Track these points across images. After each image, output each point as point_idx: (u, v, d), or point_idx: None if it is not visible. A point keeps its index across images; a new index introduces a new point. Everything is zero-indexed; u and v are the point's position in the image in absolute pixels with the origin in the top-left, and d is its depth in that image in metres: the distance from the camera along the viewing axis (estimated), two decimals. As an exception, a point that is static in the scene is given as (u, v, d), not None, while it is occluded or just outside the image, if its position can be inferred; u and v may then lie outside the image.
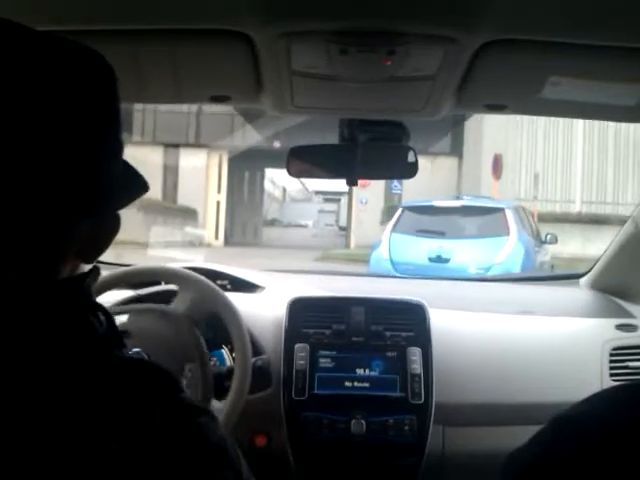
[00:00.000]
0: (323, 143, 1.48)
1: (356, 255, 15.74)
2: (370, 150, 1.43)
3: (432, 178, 19.08)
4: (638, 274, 1.97)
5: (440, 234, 7.88)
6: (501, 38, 0.96)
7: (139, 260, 1.86)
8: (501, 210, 8.25)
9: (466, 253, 7.59)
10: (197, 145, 19.88)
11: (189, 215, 18.49)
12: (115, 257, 1.81)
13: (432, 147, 18.51)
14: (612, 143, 18.19)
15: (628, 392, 0.67)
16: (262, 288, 1.86)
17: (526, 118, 15.76)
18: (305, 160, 1.49)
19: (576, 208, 17.83)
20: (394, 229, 8.31)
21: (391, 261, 7.72)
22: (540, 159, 18.34)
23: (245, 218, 23.79)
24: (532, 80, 1.07)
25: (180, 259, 2.04)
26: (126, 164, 0.68)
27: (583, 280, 2.13)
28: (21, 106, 0.57)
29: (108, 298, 1.54)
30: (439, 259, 7.58)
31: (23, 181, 0.57)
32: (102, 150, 0.63)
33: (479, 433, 1.67)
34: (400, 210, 8.76)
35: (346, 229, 25.02)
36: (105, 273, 1.53)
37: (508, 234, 7.89)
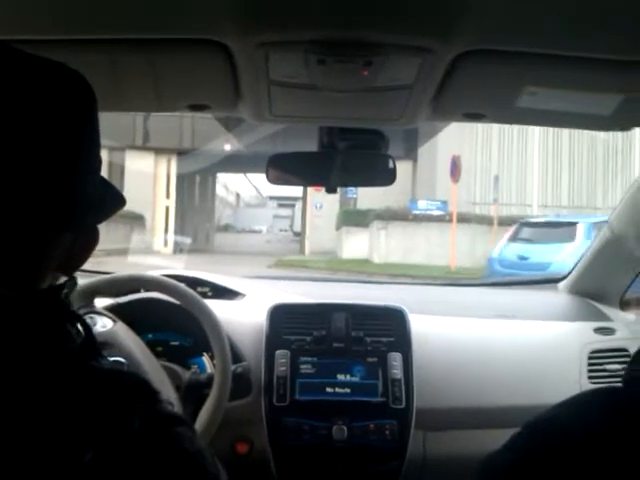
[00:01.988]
0: (302, 151, 1.48)
1: (310, 262, 15.51)
2: (349, 158, 1.44)
3: (386, 182, 19.43)
4: (615, 278, 2.00)
5: (529, 241, 11.08)
6: (477, 48, 0.97)
7: (118, 268, 1.85)
8: (575, 224, 11.00)
9: (540, 254, 10.39)
10: (144, 148, 19.03)
11: (135, 221, 17.41)
12: (94, 265, 1.80)
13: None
14: (567, 146, 18.33)
15: (598, 397, 0.68)
16: (243, 295, 1.86)
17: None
18: (284, 167, 1.49)
19: (533, 212, 17.91)
20: (508, 239, 11.54)
21: (498, 259, 11.06)
22: (495, 162, 18.36)
23: (196, 224, 22.94)
24: (508, 90, 1.09)
25: (161, 266, 2.03)
26: (103, 179, 0.70)
27: (561, 284, 2.15)
28: (0, 124, 0.58)
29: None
30: (522, 258, 10.54)
31: (3, 196, 0.58)
32: (80, 166, 0.64)
33: (460, 437, 1.68)
34: (517, 225, 11.96)
35: (301, 235, 24.50)
36: (86, 281, 1.52)
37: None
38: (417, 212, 15.77)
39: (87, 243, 0.68)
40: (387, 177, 1.46)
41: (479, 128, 17.61)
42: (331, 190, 1.46)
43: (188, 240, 19.95)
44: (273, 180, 1.47)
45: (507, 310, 1.93)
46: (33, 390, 0.56)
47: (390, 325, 1.69)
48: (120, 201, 0.72)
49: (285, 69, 1.02)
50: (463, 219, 14.99)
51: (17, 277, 0.61)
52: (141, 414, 0.58)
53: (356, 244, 16.46)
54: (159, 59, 1.04)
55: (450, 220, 14.72)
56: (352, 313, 1.71)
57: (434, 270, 12.56)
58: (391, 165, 1.45)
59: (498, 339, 1.81)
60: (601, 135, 16.13)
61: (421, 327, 1.73)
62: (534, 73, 1.03)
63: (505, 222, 15.48)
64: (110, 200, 0.71)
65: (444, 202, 15.63)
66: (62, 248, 0.64)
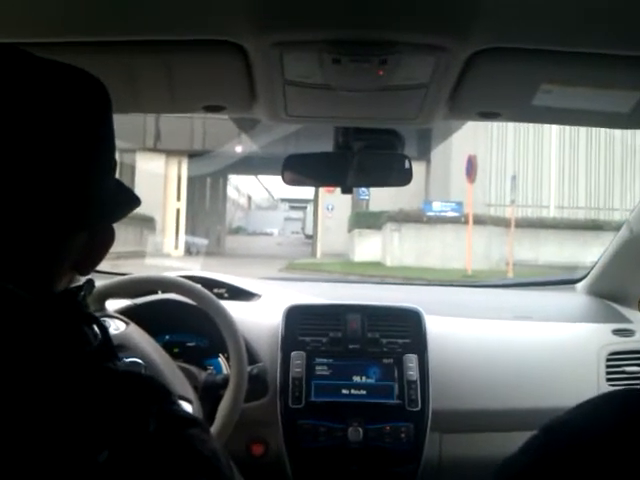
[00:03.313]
0: (318, 151, 1.48)
1: (322, 265, 15.17)
2: (365, 158, 1.44)
3: (399, 183, 18.86)
4: (634, 279, 1.97)
5: None
6: (492, 46, 0.96)
7: (135, 269, 1.86)
8: None
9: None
10: (155, 150, 18.77)
11: (145, 224, 17.02)
12: (111, 267, 1.81)
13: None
14: (584, 145, 17.87)
15: (616, 400, 0.68)
16: (258, 296, 1.86)
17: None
18: (300, 168, 1.49)
19: (550, 213, 17.56)
20: None
21: None
22: (511, 162, 17.90)
23: (207, 226, 22.57)
24: (524, 88, 1.08)
25: (177, 267, 2.05)
26: (117, 181, 0.71)
27: (579, 285, 2.13)
28: (19, 127, 0.59)
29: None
30: None
31: (20, 196, 0.59)
32: (95, 167, 0.65)
33: (476, 439, 1.67)
34: None
35: (312, 237, 24.23)
36: (103, 282, 1.53)
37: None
38: (431, 214, 15.40)
39: (103, 242, 0.69)
40: (403, 177, 1.46)
41: (494, 127, 17.32)
42: (347, 190, 1.45)
43: (205, 241, 19.82)
44: (289, 181, 1.47)
45: (524, 311, 1.92)
46: (49, 390, 0.56)
47: (406, 326, 1.69)
48: (134, 201, 0.73)
49: (300, 69, 1.02)
50: (479, 221, 14.63)
51: (32, 277, 0.62)
52: (156, 416, 0.59)
53: (368, 247, 16.16)
54: (175, 60, 1.05)
55: (465, 222, 14.35)
56: (368, 314, 1.70)
57: (450, 273, 12.24)
58: (407, 165, 1.44)
59: (515, 341, 1.79)
60: (618, 134, 15.89)
61: (437, 328, 1.72)
62: (550, 71, 1.02)
63: (521, 224, 15.05)
64: (124, 200, 0.72)
65: (459, 203, 15.33)
66: (77, 247, 0.66)
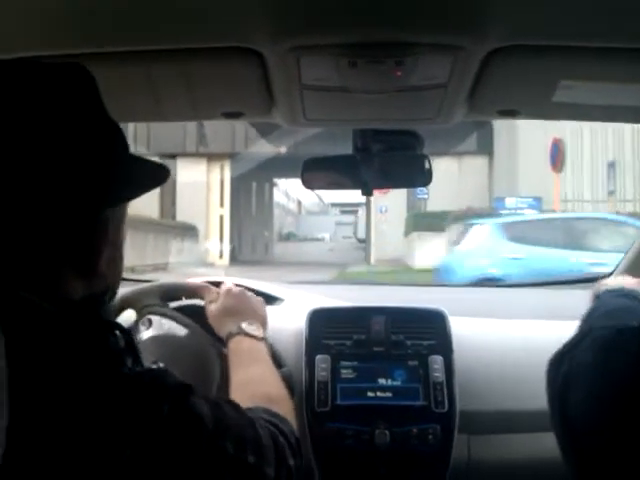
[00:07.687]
0: (337, 154, 1.48)
1: (377, 274, 13.73)
2: (385, 159, 1.44)
3: (460, 180, 16.28)
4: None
5: None
6: (509, 44, 0.96)
7: (159, 276, 1.87)
8: None
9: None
10: (197, 154, 18.12)
11: (187, 232, 16.62)
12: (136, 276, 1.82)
13: (456, 147, 15.94)
14: None
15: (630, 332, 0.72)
16: (282, 300, 1.86)
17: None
18: (320, 172, 1.49)
19: None
20: None
21: None
22: (588, 150, 14.93)
23: (254, 233, 21.85)
24: (543, 85, 1.07)
25: (201, 273, 2.05)
26: (139, 160, 0.75)
27: (604, 283, 2.10)
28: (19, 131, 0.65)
29: (130, 315, 1.55)
30: None
31: (37, 187, 0.65)
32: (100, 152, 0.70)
33: (505, 441, 1.65)
34: None
35: (365, 241, 22.87)
36: (126, 290, 1.54)
37: None
38: (505, 212, 13.33)
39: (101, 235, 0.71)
40: (423, 177, 1.46)
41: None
42: (367, 192, 1.46)
43: (210, 251, 18.90)
44: (309, 185, 1.47)
45: (550, 310, 1.89)
46: (71, 395, 0.58)
47: (430, 328, 1.68)
48: (154, 180, 0.75)
49: (317, 73, 1.03)
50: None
51: (39, 279, 0.65)
52: (168, 409, 0.63)
53: (430, 251, 14.18)
54: (193, 68, 1.06)
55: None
56: (392, 316, 1.69)
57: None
58: (427, 165, 1.44)
59: (541, 340, 1.77)
60: None
61: (462, 329, 1.71)
62: (568, 66, 1.02)
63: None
64: (142, 179, 0.74)
65: (537, 198, 13.58)
66: (75, 241, 0.68)
